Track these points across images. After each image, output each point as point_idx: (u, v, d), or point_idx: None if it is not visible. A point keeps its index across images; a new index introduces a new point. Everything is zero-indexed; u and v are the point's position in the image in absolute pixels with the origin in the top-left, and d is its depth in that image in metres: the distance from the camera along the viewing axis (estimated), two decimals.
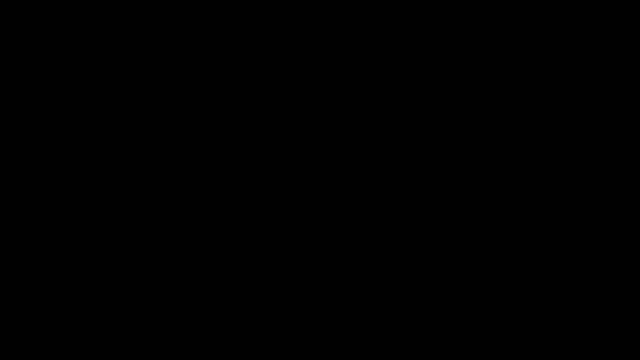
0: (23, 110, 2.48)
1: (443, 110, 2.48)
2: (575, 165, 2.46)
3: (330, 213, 2.47)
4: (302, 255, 2.46)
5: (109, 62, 2.49)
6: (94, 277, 2.44)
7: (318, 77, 2.49)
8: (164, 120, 2.49)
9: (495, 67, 2.48)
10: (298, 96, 2.49)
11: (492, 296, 2.44)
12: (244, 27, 2.50)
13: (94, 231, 2.45)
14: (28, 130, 2.47)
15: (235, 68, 2.50)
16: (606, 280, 2.43)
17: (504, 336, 2.42)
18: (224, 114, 2.49)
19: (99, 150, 2.47)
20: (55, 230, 2.45)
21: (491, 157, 2.47)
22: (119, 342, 2.43)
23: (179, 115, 2.49)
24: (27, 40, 2.49)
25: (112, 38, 2.49)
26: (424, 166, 2.47)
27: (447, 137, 2.48)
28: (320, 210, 2.47)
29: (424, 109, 2.48)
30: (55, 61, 2.49)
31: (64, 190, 2.46)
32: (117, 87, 2.49)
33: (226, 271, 2.46)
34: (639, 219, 2.43)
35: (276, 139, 2.49)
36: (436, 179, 2.47)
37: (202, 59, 2.50)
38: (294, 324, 2.44)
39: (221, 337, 2.44)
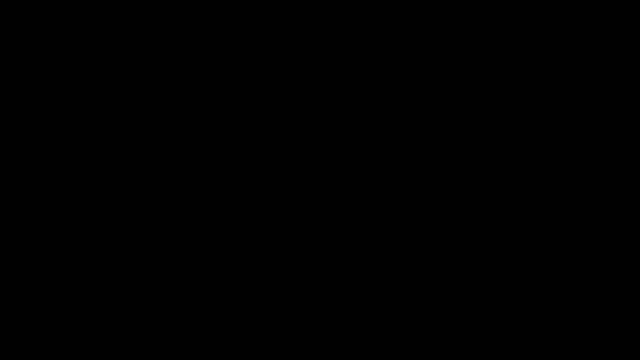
0: (23, 110, 2.48)
1: (443, 110, 2.49)
2: (575, 165, 2.46)
3: (330, 213, 2.47)
4: (302, 255, 2.46)
5: (109, 62, 2.49)
6: (94, 277, 2.45)
7: (318, 77, 2.50)
8: (163, 120, 2.49)
9: (495, 68, 2.49)
10: (298, 96, 2.50)
11: (492, 296, 2.44)
12: (244, 27, 2.50)
13: (94, 231, 2.46)
14: (28, 130, 2.48)
15: (235, 68, 2.50)
16: (606, 280, 2.43)
17: (504, 336, 2.43)
18: (223, 114, 2.49)
19: (99, 150, 2.48)
20: (55, 230, 2.45)
21: (491, 157, 2.47)
22: (119, 342, 2.43)
23: (178, 115, 2.49)
24: (27, 40, 2.49)
25: (112, 38, 2.50)
26: (423, 166, 2.47)
27: (447, 137, 2.48)
28: (320, 210, 2.47)
29: (423, 109, 2.49)
30: (55, 61, 2.49)
31: (64, 190, 2.47)
32: (117, 87, 2.49)
33: (226, 271, 2.46)
34: (639, 219, 2.44)
35: (276, 139, 2.49)
36: (436, 179, 2.47)
37: (202, 59, 2.50)
38: (294, 324, 2.45)
39: (221, 337, 2.44)
